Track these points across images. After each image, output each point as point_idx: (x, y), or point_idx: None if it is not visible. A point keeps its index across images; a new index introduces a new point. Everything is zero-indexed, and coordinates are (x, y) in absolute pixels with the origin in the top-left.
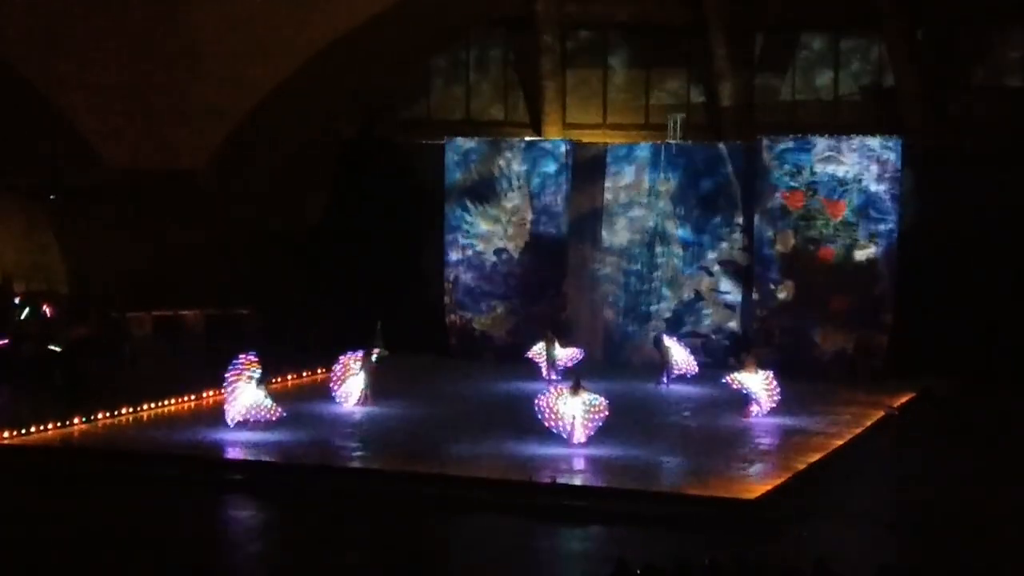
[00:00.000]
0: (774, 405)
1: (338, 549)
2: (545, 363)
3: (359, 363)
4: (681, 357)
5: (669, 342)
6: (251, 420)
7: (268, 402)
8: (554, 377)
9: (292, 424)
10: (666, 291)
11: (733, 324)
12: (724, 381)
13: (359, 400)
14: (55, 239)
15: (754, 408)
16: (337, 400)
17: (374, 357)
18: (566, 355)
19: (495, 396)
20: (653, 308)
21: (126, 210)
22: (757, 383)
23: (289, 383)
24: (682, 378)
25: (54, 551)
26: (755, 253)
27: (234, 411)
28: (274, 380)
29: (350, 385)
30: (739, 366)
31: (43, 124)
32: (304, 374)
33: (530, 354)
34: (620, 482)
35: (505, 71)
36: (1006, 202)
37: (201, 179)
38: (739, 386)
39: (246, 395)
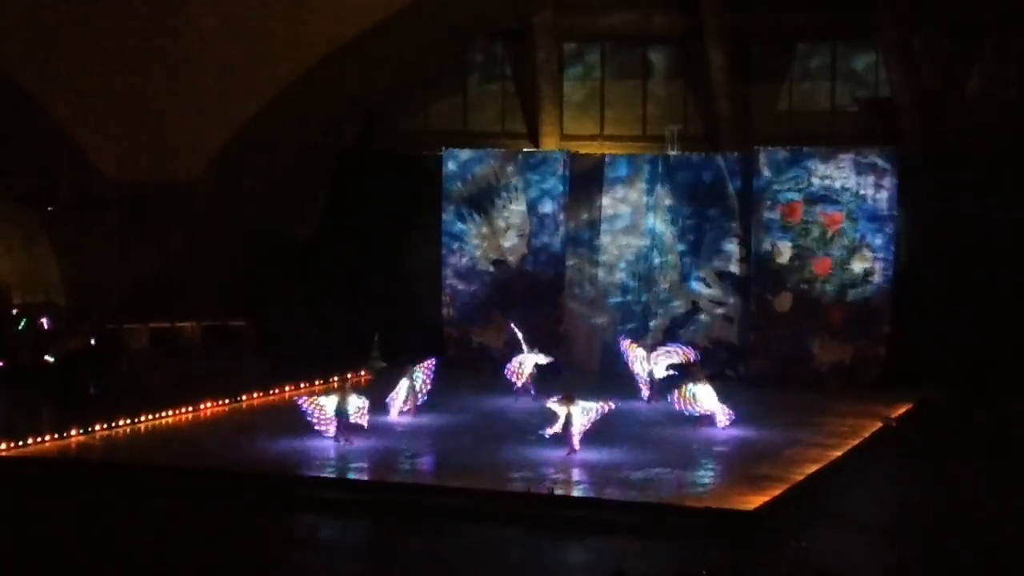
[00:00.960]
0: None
1: (337, 559)
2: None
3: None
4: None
5: (635, 351)
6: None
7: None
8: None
9: (298, 435)
10: (663, 302)
11: (730, 335)
12: (676, 407)
13: (402, 410)
14: (52, 250)
15: (720, 420)
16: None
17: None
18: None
19: (490, 407)
20: (650, 320)
21: (123, 220)
22: (711, 397)
23: (287, 394)
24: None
25: (50, 564)
26: (752, 264)
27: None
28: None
29: (397, 395)
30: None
31: (39, 133)
32: (303, 384)
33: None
34: (617, 493)
35: (503, 82)
36: (1003, 211)
37: (198, 188)
38: (689, 405)
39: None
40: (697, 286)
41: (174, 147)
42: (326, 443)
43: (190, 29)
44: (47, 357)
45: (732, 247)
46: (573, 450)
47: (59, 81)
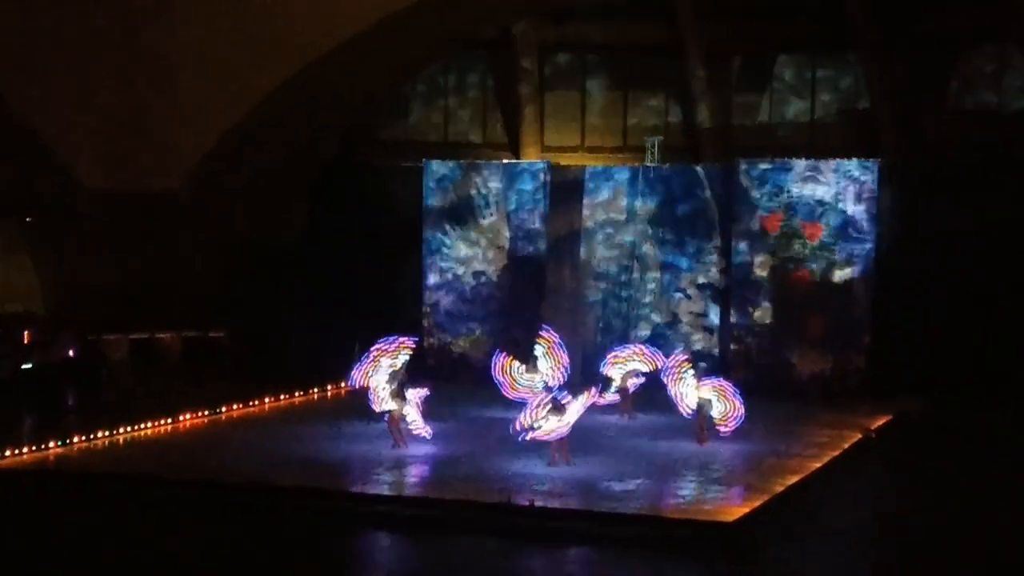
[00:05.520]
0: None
1: (307, 570)
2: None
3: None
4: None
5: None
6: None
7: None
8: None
9: (277, 444)
10: (644, 313)
11: (710, 347)
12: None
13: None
14: (31, 259)
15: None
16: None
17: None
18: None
19: (470, 418)
20: (631, 330)
21: (104, 230)
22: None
23: (267, 406)
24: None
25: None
26: (733, 275)
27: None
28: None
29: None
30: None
31: (18, 141)
32: (282, 396)
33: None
34: (599, 504)
35: (483, 93)
36: (984, 222)
37: (180, 198)
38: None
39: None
40: (677, 297)
41: (156, 156)
42: (304, 452)
43: (173, 37)
44: (25, 366)
45: (712, 258)
46: (554, 461)
47: (39, 89)
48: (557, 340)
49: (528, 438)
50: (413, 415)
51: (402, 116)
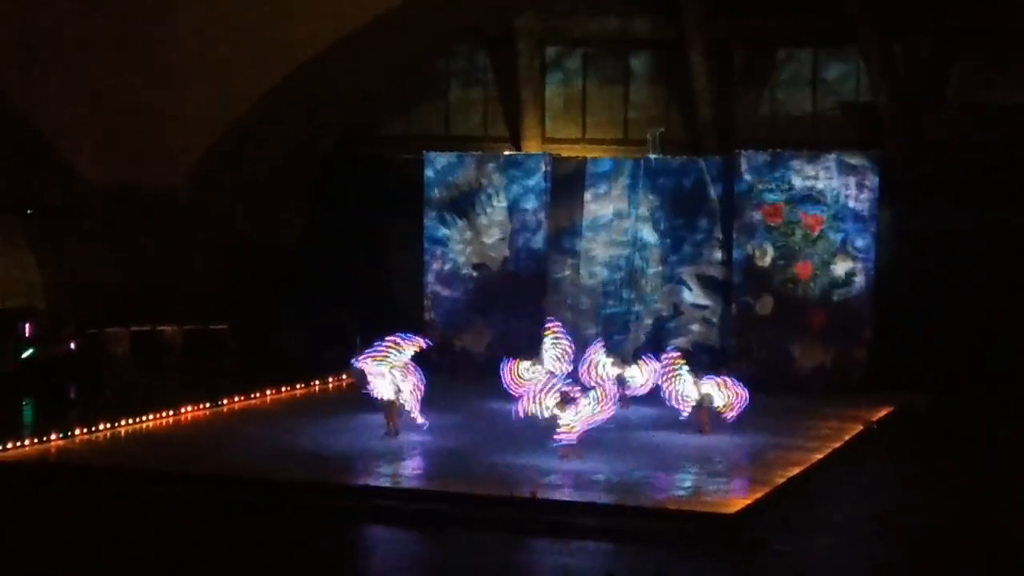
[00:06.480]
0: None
1: (310, 565)
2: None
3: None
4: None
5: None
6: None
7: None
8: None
9: (280, 438)
10: (645, 305)
11: (712, 338)
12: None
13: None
14: (33, 254)
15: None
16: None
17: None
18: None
19: (472, 411)
20: (632, 322)
21: (105, 224)
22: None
23: (268, 398)
24: (653, 394)
25: (26, 571)
26: (734, 267)
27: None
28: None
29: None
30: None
31: (20, 138)
32: (284, 389)
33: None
34: (600, 497)
35: (485, 86)
36: (984, 217)
37: (181, 192)
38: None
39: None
40: (679, 289)
41: (156, 155)
42: (307, 446)
43: (174, 34)
44: (25, 355)
45: (714, 250)
46: (565, 455)
47: (42, 85)
48: (562, 329)
49: (565, 439)
50: (410, 404)
51: (403, 109)
